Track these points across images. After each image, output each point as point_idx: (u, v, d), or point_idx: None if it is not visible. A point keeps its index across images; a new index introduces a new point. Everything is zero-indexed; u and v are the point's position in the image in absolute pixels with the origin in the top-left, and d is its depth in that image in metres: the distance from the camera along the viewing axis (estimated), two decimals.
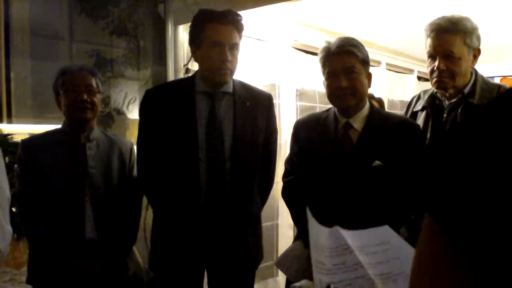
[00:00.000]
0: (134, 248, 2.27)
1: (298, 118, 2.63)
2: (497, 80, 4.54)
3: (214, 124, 2.01)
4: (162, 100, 2.06)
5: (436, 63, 2.06)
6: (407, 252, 1.21)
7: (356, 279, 1.14)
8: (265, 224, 2.80)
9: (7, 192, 1.59)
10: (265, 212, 2.36)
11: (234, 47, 1.99)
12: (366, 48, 1.98)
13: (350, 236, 1.25)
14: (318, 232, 1.28)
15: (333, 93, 1.93)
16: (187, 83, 2.11)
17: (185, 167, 2.00)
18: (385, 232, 1.29)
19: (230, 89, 2.07)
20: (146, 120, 2.09)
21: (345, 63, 1.89)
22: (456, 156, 0.65)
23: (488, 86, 2.10)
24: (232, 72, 2.02)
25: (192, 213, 1.99)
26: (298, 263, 1.93)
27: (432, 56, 2.09)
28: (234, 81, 2.10)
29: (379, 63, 4.39)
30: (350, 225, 1.83)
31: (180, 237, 2.01)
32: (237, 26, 2.00)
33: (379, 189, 1.87)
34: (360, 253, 1.19)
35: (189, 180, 1.99)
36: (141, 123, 2.11)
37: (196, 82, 2.07)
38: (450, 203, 0.66)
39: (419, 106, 2.27)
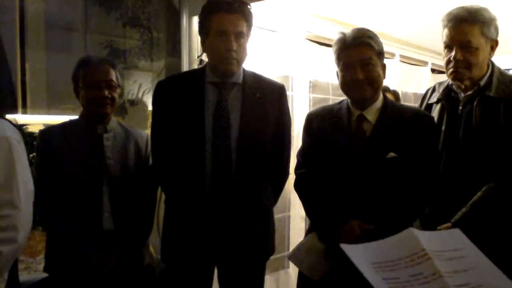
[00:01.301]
0: (148, 240, 2.29)
1: (311, 110, 2.62)
2: None
3: (221, 115, 2.00)
4: (173, 91, 2.06)
5: (453, 53, 2.03)
6: (483, 262, 1.18)
7: None
8: (277, 216, 2.81)
9: (30, 185, 1.62)
10: (277, 204, 2.36)
11: (240, 35, 1.97)
12: (381, 40, 1.97)
13: (424, 238, 1.21)
14: (386, 245, 1.24)
15: (348, 85, 1.93)
16: (198, 73, 2.11)
17: (191, 158, 1.99)
18: (458, 236, 1.27)
19: (240, 80, 2.06)
20: (158, 110, 2.11)
21: (361, 55, 1.88)
22: None
23: (505, 78, 2.08)
24: (239, 61, 2.00)
25: (197, 204, 1.99)
26: (312, 256, 1.93)
27: (448, 46, 2.07)
28: (245, 71, 2.09)
29: (393, 55, 4.35)
30: (365, 218, 1.85)
31: (188, 229, 2.01)
32: (244, 15, 1.98)
33: (394, 182, 1.87)
34: (438, 260, 1.14)
35: (195, 171, 1.99)
36: (154, 113, 2.13)
37: (206, 72, 2.07)
38: None
39: (434, 99, 2.25)
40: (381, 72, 1.93)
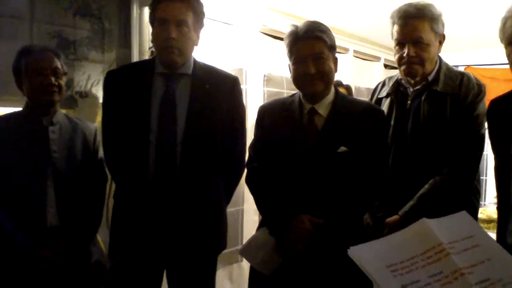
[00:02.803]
0: (97, 235, 2.23)
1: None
2: (461, 69, 4.63)
3: (167, 106, 1.95)
4: (122, 82, 2.02)
5: (405, 50, 2.06)
6: (496, 249, 1.15)
7: None
8: (230, 209, 2.80)
9: None
10: None
11: (181, 23, 1.92)
12: (334, 35, 1.97)
13: (437, 228, 1.14)
14: (399, 241, 1.15)
15: (300, 79, 1.92)
16: (148, 64, 2.06)
17: (135, 150, 1.95)
18: (467, 221, 1.22)
19: (189, 71, 2.02)
20: (107, 101, 2.07)
21: (313, 49, 1.88)
22: None
23: (451, 74, 2.14)
24: (181, 50, 1.95)
25: (142, 199, 1.94)
26: (263, 251, 1.92)
27: (400, 43, 2.10)
28: (195, 62, 2.05)
29: (346, 50, 4.40)
30: (316, 212, 1.85)
31: (135, 225, 1.96)
32: (188, 2, 1.94)
33: (345, 176, 1.88)
34: (454, 254, 1.08)
35: (138, 164, 1.94)
36: (103, 104, 2.09)
37: (156, 63, 2.03)
38: None
39: (383, 93, 2.29)
40: (332, 66, 1.93)
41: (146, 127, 1.93)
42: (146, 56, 2.66)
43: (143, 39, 2.62)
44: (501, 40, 1.75)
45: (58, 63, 2.06)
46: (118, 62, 2.94)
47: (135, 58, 2.72)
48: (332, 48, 1.93)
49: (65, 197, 2.03)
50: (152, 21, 1.98)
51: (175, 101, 1.97)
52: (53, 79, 2.01)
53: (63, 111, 2.26)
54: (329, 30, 1.94)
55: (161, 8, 1.92)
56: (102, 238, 2.30)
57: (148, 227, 1.94)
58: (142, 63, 2.33)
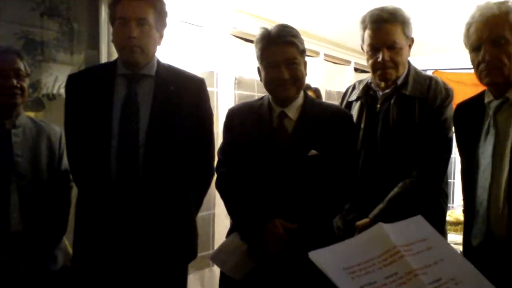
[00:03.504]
0: (65, 239, 2.18)
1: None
2: (429, 73, 4.71)
3: (129, 108, 1.90)
4: (83, 85, 1.96)
5: (380, 54, 2.08)
6: (448, 251, 1.20)
7: None
8: (201, 214, 2.77)
9: None
10: None
11: (142, 22, 1.86)
12: (305, 39, 1.98)
13: (392, 232, 1.19)
14: (357, 245, 1.20)
15: (273, 84, 1.91)
16: (110, 66, 2.01)
17: (97, 155, 1.89)
18: (421, 224, 1.27)
19: (153, 72, 1.97)
20: (69, 104, 2.01)
21: (286, 54, 1.88)
22: None
23: (420, 78, 2.17)
24: (142, 49, 1.89)
25: (104, 203, 1.88)
26: (234, 257, 1.90)
27: (374, 47, 2.11)
28: (159, 63, 2.00)
29: (317, 53, 4.42)
30: (288, 216, 1.85)
31: (97, 233, 1.90)
32: (149, 1, 1.90)
33: (316, 179, 1.88)
34: (410, 257, 1.13)
35: (100, 169, 1.88)
36: (65, 108, 2.02)
37: (118, 64, 1.98)
38: None
39: (354, 96, 2.30)
40: (304, 71, 1.93)
41: (108, 131, 1.87)
42: (115, 57, 2.62)
43: (111, 41, 2.58)
44: (465, 46, 1.78)
45: (21, 65, 2.00)
46: (87, 64, 2.88)
47: (104, 59, 2.67)
48: (303, 52, 1.94)
49: (29, 202, 1.98)
50: (113, 20, 1.93)
51: (138, 103, 1.91)
52: (15, 81, 1.96)
53: (31, 113, 2.21)
54: (299, 34, 1.94)
55: (121, 7, 1.87)
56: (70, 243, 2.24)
57: (112, 234, 1.88)
58: (104, 65, 2.28)
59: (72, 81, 2.01)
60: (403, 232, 1.20)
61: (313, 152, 1.87)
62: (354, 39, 2.28)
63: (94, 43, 2.84)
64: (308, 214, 1.85)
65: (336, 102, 3.38)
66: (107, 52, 2.62)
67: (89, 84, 1.95)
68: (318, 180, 1.88)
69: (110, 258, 1.89)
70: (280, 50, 1.88)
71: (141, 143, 1.88)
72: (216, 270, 3.28)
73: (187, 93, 2.00)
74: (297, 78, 1.90)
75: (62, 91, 2.91)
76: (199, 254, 2.22)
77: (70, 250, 2.22)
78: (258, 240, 1.83)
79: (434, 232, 1.25)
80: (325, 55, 4.55)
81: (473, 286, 1.11)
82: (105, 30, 2.62)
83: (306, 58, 1.97)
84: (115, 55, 2.65)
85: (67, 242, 2.21)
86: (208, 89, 2.16)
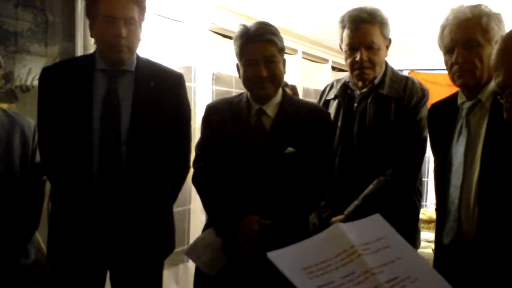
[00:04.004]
0: (37, 234, 2.15)
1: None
2: (406, 73, 4.77)
3: (110, 104, 1.88)
4: (60, 78, 1.93)
5: (358, 54, 2.10)
6: (405, 249, 1.21)
7: None
8: (177, 209, 2.76)
9: None
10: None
11: (130, 21, 1.85)
12: (284, 36, 1.98)
13: (349, 231, 1.20)
14: (314, 245, 1.19)
15: (251, 81, 1.91)
16: (87, 60, 1.98)
17: (77, 151, 1.87)
18: (380, 223, 1.28)
19: (133, 67, 1.95)
20: (44, 99, 1.96)
21: (266, 52, 1.88)
22: None
23: (396, 78, 2.20)
24: (129, 48, 1.89)
25: (84, 199, 1.87)
26: (209, 252, 1.91)
27: (353, 47, 2.13)
28: (139, 58, 1.99)
29: (295, 51, 4.44)
30: (263, 213, 1.85)
31: (75, 229, 1.88)
32: None
33: (292, 176, 1.89)
34: (367, 255, 1.14)
35: (81, 165, 1.86)
36: (39, 102, 1.98)
37: (96, 59, 1.94)
38: None
39: (331, 95, 2.32)
40: (282, 69, 1.94)
41: (88, 127, 1.85)
42: (91, 50, 2.58)
43: (87, 33, 2.53)
44: (440, 47, 1.82)
45: None
46: (62, 56, 2.84)
47: (80, 52, 2.63)
48: (282, 50, 1.94)
49: (1, 196, 1.94)
50: (93, 15, 1.88)
51: (119, 99, 1.89)
52: None
53: (4, 105, 2.16)
54: (279, 31, 1.95)
55: (107, 3, 1.83)
56: (43, 238, 2.21)
57: (91, 230, 1.87)
58: (79, 58, 2.24)
59: (47, 74, 1.97)
60: (361, 231, 1.21)
61: (290, 149, 1.89)
62: (332, 38, 2.30)
63: (70, 35, 2.80)
64: (283, 210, 1.86)
65: (313, 99, 3.40)
66: (83, 45, 2.58)
67: (66, 78, 1.91)
68: (294, 177, 1.89)
69: (89, 253, 1.88)
70: (259, 48, 1.88)
71: (123, 139, 1.87)
72: (191, 266, 3.28)
73: (167, 88, 2.00)
74: (276, 76, 1.91)
75: (36, 83, 2.86)
76: (174, 250, 2.22)
77: (43, 245, 2.19)
78: (233, 236, 1.84)
79: (392, 230, 1.26)
80: (303, 53, 4.57)
81: (429, 283, 1.13)
82: (81, 22, 2.58)
83: (285, 56, 1.98)
84: (91, 48, 2.63)
85: (39, 237, 2.18)
86: (186, 84, 2.16)
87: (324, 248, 1.16)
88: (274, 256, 1.13)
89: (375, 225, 1.27)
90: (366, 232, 1.21)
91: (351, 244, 1.15)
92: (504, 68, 1.06)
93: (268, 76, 1.88)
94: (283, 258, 1.14)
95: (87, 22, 2.24)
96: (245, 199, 1.88)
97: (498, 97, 1.16)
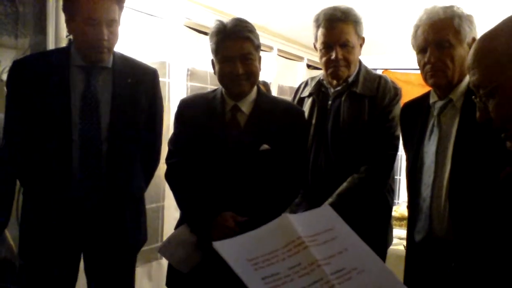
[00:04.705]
0: (6, 231, 2.10)
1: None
2: (379, 72, 4.83)
3: (89, 101, 1.88)
4: (32, 72, 1.89)
5: (333, 53, 2.11)
6: (353, 240, 1.19)
7: (314, 284, 1.04)
8: (150, 206, 2.73)
9: None
10: (150, 193, 2.29)
11: (112, 24, 1.86)
12: (260, 33, 1.98)
13: (298, 223, 1.17)
14: (262, 236, 1.16)
15: (227, 78, 1.91)
16: (62, 55, 1.95)
17: (56, 148, 1.86)
18: (329, 214, 1.26)
19: (110, 64, 1.95)
20: (14, 93, 1.92)
21: (242, 49, 1.87)
22: None
23: (370, 77, 2.22)
24: (110, 49, 1.90)
25: (64, 196, 1.86)
26: (183, 249, 1.90)
27: (328, 46, 2.14)
28: (115, 54, 1.98)
29: (271, 48, 4.44)
30: (238, 210, 1.85)
31: (50, 225, 1.88)
32: None
33: (266, 173, 1.89)
34: (314, 247, 1.12)
35: (60, 162, 1.85)
36: (8, 96, 1.93)
37: (72, 54, 1.92)
38: None
39: (306, 93, 2.33)
40: (258, 66, 1.94)
41: (68, 125, 1.85)
42: (63, 43, 2.53)
43: (59, 26, 2.48)
44: (413, 47, 1.84)
45: None
46: (33, 49, 2.78)
47: (51, 45, 2.58)
48: (258, 47, 1.94)
49: None
50: (73, 12, 1.85)
51: (97, 96, 1.90)
52: None
53: None
54: (255, 28, 1.94)
55: (88, 4, 1.81)
56: (12, 235, 2.17)
57: (66, 225, 1.87)
58: (54, 53, 2.19)
59: (18, 67, 1.93)
60: (309, 223, 1.20)
61: (264, 146, 1.89)
62: (308, 36, 2.31)
63: (41, 28, 2.73)
64: (258, 207, 1.86)
65: (288, 97, 3.41)
66: (54, 37, 2.53)
67: (39, 72, 1.89)
68: (269, 174, 1.89)
69: (64, 246, 1.90)
70: (235, 45, 1.87)
71: (104, 136, 1.88)
72: (164, 263, 3.25)
73: (143, 84, 2.02)
74: (252, 73, 1.90)
75: (5, 76, 2.79)
76: (148, 247, 2.21)
77: (11, 242, 2.15)
78: (207, 233, 1.83)
79: (341, 222, 1.25)
80: (279, 50, 4.57)
81: (375, 275, 1.13)
82: (53, 14, 2.52)
83: (260, 53, 1.98)
84: (62, 41, 2.57)
85: (8, 235, 2.13)
86: (160, 79, 2.16)
87: (272, 239, 1.13)
88: (220, 246, 1.10)
89: (324, 216, 1.26)
90: (314, 223, 1.20)
91: (298, 235, 1.13)
92: (479, 67, 1.08)
93: (244, 73, 1.88)
94: (229, 248, 1.11)
95: (59, 14, 2.20)
96: (219, 196, 1.88)
97: (473, 97, 1.18)
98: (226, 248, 1.11)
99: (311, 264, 1.08)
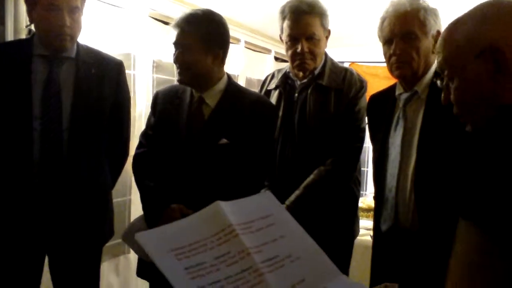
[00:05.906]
0: None
1: (155, 90, 2.55)
2: (346, 65, 4.85)
3: (51, 91, 1.87)
4: None
5: (299, 45, 2.11)
6: (291, 227, 1.16)
7: (243, 273, 1.00)
8: (117, 199, 2.68)
9: None
10: (117, 187, 2.26)
11: (74, 10, 1.84)
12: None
13: (231, 211, 1.12)
14: (191, 225, 1.10)
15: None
16: (24, 45, 1.94)
17: (16, 139, 1.83)
18: (267, 200, 1.22)
19: (73, 54, 1.94)
20: None
21: (181, 40, 1.87)
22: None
23: (336, 69, 2.23)
24: (72, 37, 1.88)
25: (24, 186, 1.84)
26: None
27: (294, 38, 2.13)
28: (79, 45, 1.96)
29: (238, 40, 4.41)
30: (194, 202, 1.82)
31: (12, 216, 1.85)
32: None
33: (225, 167, 1.88)
34: (245, 235, 1.07)
35: (21, 152, 1.83)
36: None
37: (34, 44, 1.90)
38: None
39: (272, 85, 2.33)
40: (201, 57, 1.87)
41: (28, 114, 1.83)
42: (23, 34, 2.45)
43: (18, 16, 2.40)
44: (379, 39, 1.86)
45: None
46: None
47: (10, 36, 2.49)
48: (205, 38, 1.87)
49: None
50: (33, 2, 1.83)
51: (60, 86, 1.88)
52: None
53: None
54: (207, 21, 1.89)
55: None
56: None
57: (29, 216, 1.84)
58: (16, 43, 2.15)
59: None
60: (244, 210, 1.16)
61: (223, 140, 1.87)
62: (276, 28, 2.30)
63: (1, 18, 2.64)
64: (214, 201, 1.84)
65: (256, 89, 3.40)
66: (13, 28, 2.45)
67: (0, 62, 1.86)
68: (227, 168, 1.88)
69: (28, 240, 1.87)
70: (176, 36, 1.89)
71: (65, 126, 1.87)
72: (132, 257, 3.21)
73: (107, 76, 2.00)
74: (186, 65, 1.88)
75: None
76: (115, 241, 2.18)
77: None
78: (155, 224, 1.81)
79: (280, 208, 1.22)
80: (246, 42, 4.54)
81: (310, 262, 1.10)
82: (11, 5, 2.44)
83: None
84: (22, 32, 2.49)
85: None
86: (126, 71, 2.13)
87: (201, 228, 1.08)
88: (141, 236, 1.04)
89: (263, 203, 1.22)
90: (250, 210, 1.16)
91: (229, 223, 1.08)
92: (443, 51, 1.11)
93: (180, 64, 1.89)
94: (152, 238, 1.05)
95: (18, 5, 2.13)
96: (176, 188, 1.88)
97: (437, 79, 1.21)
98: (148, 238, 1.05)
99: (240, 253, 1.03)
